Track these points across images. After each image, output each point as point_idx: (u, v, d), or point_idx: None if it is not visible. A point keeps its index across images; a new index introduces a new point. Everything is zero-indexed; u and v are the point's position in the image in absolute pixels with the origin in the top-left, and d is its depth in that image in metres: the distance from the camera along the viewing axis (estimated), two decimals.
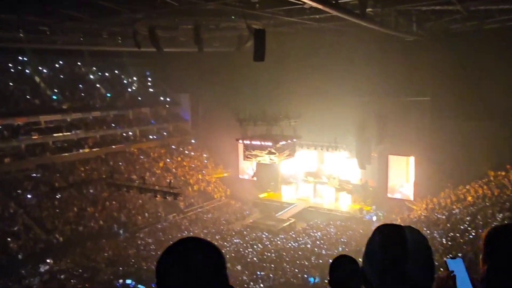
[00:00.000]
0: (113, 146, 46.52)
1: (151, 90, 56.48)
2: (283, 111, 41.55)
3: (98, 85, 51.00)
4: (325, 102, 41.44)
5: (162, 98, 55.47)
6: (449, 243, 27.24)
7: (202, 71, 48.81)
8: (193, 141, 54.38)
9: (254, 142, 41.06)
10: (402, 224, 2.14)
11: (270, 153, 40.49)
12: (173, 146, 51.84)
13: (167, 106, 54.75)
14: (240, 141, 42.49)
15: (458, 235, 27.66)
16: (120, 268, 29.64)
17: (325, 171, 46.20)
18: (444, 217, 32.46)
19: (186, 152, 52.03)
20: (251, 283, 26.32)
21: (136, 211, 39.42)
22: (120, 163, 45.30)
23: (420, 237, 2.06)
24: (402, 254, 1.95)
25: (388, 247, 1.98)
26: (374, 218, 39.30)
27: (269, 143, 40.41)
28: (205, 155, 52.47)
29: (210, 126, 50.77)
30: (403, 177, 40.52)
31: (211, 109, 50.51)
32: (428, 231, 31.33)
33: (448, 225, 30.47)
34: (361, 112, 39.40)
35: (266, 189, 47.81)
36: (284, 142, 41.12)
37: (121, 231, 36.54)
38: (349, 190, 43.50)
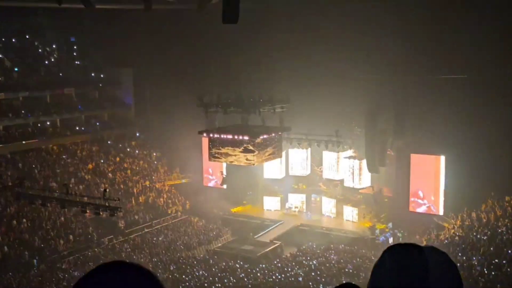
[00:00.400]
0: (24, 142, 45.86)
1: (77, 63, 55.92)
2: (266, 93, 41.32)
3: (0, 56, 50.18)
4: (324, 81, 41.21)
5: (93, 75, 54.99)
6: (493, 272, 27.45)
7: (152, 38, 48.23)
8: (138, 134, 54.21)
9: (224, 136, 40.86)
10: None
11: (246, 151, 40.30)
12: (109, 142, 51.52)
13: (101, 85, 54.28)
14: (205, 134, 42.27)
15: (504, 262, 27.89)
16: None
17: (323, 175, 46.41)
18: (486, 237, 32.68)
19: (128, 149, 51.78)
20: None
21: (56, 233, 38.79)
22: (34, 166, 44.70)
23: (446, 261, 2.07)
24: (421, 285, 1.97)
25: (402, 275, 2.00)
26: (391, 240, 39.48)
27: (246, 138, 40.25)
28: (155, 154, 52.29)
29: (163, 114, 50.53)
30: (431, 184, 40.84)
31: (164, 91, 50.30)
32: (465, 257, 31.44)
33: (492, 248, 30.68)
34: (373, 95, 39.35)
35: (241, 200, 47.91)
36: (266, 136, 41.00)
37: (35, 261, 35.88)
38: (356, 202, 43.73)
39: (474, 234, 34.46)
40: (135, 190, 46.85)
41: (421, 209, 41.30)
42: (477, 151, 37.24)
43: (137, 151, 52.17)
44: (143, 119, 54.52)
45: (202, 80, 45.49)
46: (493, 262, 28.79)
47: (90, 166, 47.69)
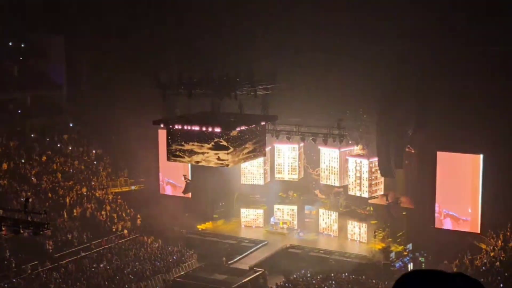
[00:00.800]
0: None
1: None
2: (244, 70, 41.12)
3: None
4: (323, 54, 41.32)
5: (11, 44, 54.48)
6: None
7: None
8: (71, 125, 53.95)
9: (188, 128, 40.61)
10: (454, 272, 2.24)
11: (218, 147, 40.09)
12: (33, 135, 51.19)
13: (21, 58, 53.97)
14: (162, 125, 42.28)
15: None
16: None
17: (320, 180, 46.52)
18: None
19: (59, 145, 51.37)
20: None
21: None
22: None
23: None
24: None
25: None
26: (411, 266, 39.57)
27: (217, 130, 40.08)
28: (94, 152, 52.17)
29: (105, 98, 50.37)
30: (465, 193, 40.82)
31: (108, 66, 50.27)
32: None
33: None
34: (389, 73, 39.58)
35: (210, 214, 47.98)
36: (244, 128, 40.83)
37: None
38: (364, 216, 43.90)
39: None
40: (67, 200, 46.28)
41: (449, 225, 41.38)
42: None
43: (70, 148, 51.59)
44: (79, 104, 53.87)
45: (158, 52, 45.32)
46: None
47: (5, 166, 47.06)
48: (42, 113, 53.19)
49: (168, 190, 49.17)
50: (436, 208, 41.14)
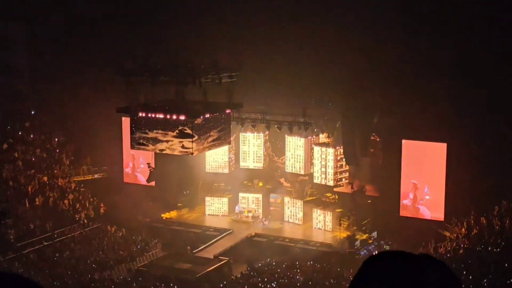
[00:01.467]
0: None
1: None
2: (208, 57, 41.17)
3: None
4: (288, 41, 41.33)
5: None
6: None
7: None
8: (33, 112, 53.32)
9: (152, 115, 40.57)
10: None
11: (182, 135, 40.07)
12: None
13: None
14: (126, 113, 42.14)
15: None
16: None
17: (285, 169, 46.76)
18: (499, 250, 33.18)
19: (20, 133, 50.84)
20: None
21: None
22: None
23: (446, 274, 2.20)
24: None
25: None
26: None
27: (182, 117, 40.07)
28: (56, 139, 51.58)
29: (67, 85, 49.87)
30: (429, 180, 41.12)
31: (69, 53, 49.73)
32: (471, 276, 31.89)
33: (506, 265, 31.19)
34: (354, 59, 39.42)
35: (174, 203, 47.93)
36: (208, 116, 40.90)
37: None
38: (329, 204, 44.12)
39: (484, 246, 34.85)
40: (29, 189, 45.93)
41: (427, 215, 41.57)
42: (490, 138, 37.65)
43: (32, 135, 51.13)
44: (41, 91, 53.24)
45: (121, 38, 45.00)
46: (508, 282, 29.23)
47: None
48: (3, 100, 52.51)
49: (142, 179, 48.62)
50: (411, 196, 41.35)
